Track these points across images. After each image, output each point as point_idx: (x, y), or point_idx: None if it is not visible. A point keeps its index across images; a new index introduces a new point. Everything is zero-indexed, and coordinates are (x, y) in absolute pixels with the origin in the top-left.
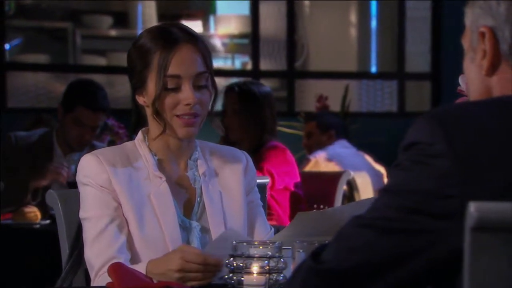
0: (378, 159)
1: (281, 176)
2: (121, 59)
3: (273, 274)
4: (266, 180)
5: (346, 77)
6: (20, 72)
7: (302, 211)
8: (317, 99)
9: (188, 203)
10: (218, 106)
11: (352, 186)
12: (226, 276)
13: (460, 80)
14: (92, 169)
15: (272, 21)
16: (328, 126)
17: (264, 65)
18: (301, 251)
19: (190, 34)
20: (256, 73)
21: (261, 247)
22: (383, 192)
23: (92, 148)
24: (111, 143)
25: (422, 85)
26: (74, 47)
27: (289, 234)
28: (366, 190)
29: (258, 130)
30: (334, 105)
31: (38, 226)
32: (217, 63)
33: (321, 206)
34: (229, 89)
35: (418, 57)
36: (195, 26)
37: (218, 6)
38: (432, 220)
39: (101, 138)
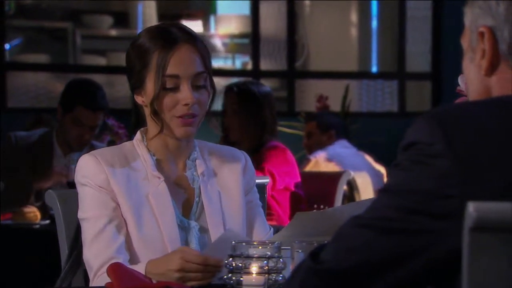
0: (378, 159)
1: (282, 176)
2: (121, 59)
3: (272, 274)
4: (265, 180)
5: (347, 77)
6: (20, 72)
7: (302, 211)
8: (317, 99)
9: (186, 203)
10: (218, 106)
11: (352, 186)
12: (225, 276)
13: (460, 80)
14: (90, 169)
15: (273, 21)
16: (328, 126)
17: (265, 65)
18: (300, 251)
19: (189, 34)
20: (257, 73)
21: (260, 247)
22: (382, 192)
23: (92, 148)
24: (111, 143)
25: (423, 85)
26: (74, 47)
27: (288, 234)
28: (366, 190)
29: (258, 130)
30: (335, 105)
31: (37, 226)
32: (218, 63)
33: (321, 206)
34: (229, 89)
35: (418, 57)
36: (196, 26)
37: (219, 6)
38: (432, 220)
39: (101, 138)
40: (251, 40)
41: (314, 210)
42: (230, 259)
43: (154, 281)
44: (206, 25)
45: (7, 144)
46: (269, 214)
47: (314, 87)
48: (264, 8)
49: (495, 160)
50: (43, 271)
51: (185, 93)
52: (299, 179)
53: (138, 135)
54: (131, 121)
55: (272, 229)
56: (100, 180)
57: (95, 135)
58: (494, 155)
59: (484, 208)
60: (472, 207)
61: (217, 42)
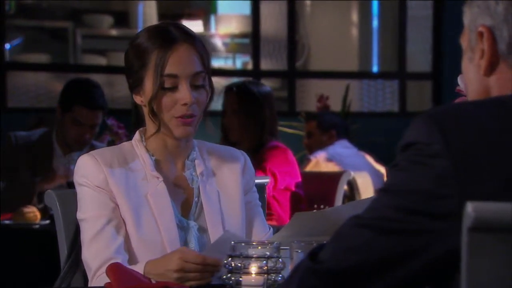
0: (379, 159)
1: (283, 176)
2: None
3: (272, 274)
4: (265, 180)
5: (347, 76)
6: (20, 71)
7: (302, 211)
8: (317, 99)
9: (185, 203)
10: (218, 106)
11: (352, 186)
12: (224, 277)
13: (459, 80)
14: (89, 169)
15: (273, 20)
16: (329, 126)
17: (265, 65)
18: (299, 251)
19: (187, 34)
20: (257, 73)
21: (259, 247)
22: (381, 192)
23: (92, 148)
24: (111, 143)
25: (424, 84)
26: (75, 46)
27: (287, 234)
28: (367, 190)
29: (257, 130)
30: (336, 105)
31: (37, 226)
32: (218, 63)
33: (322, 206)
34: (228, 89)
35: (419, 56)
36: (196, 25)
37: (219, 5)
38: (431, 220)
39: (101, 138)
40: (252, 40)
41: (314, 211)
42: (229, 259)
43: (153, 281)
44: (206, 25)
45: (7, 144)
46: (269, 214)
47: (315, 87)
48: (264, 8)
49: (494, 160)
50: (43, 271)
51: (183, 93)
52: (299, 179)
53: (137, 135)
54: (131, 121)
55: (271, 229)
56: (99, 181)
57: (95, 134)
58: (493, 155)
59: (483, 208)
60: (470, 207)
61: (218, 42)
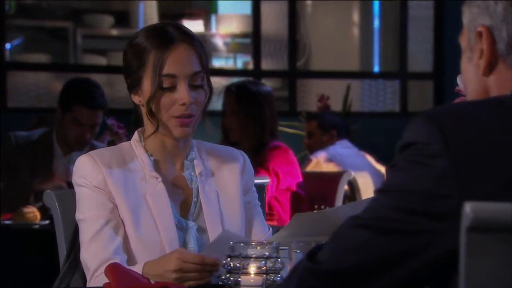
0: (380, 159)
1: (285, 176)
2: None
3: (270, 274)
4: (265, 180)
5: (348, 76)
6: (20, 71)
7: (303, 212)
8: (318, 99)
9: (184, 203)
10: (218, 106)
11: (353, 186)
12: (223, 277)
13: (459, 79)
14: (87, 170)
15: (274, 20)
16: (329, 126)
17: (266, 65)
18: (298, 251)
19: (186, 34)
20: (258, 72)
21: (258, 248)
22: (380, 192)
23: (92, 148)
24: (111, 143)
25: (425, 84)
26: (75, 46)
27: (287, 234)
28: (367, 191)
29: (257, 130)
30: (337, 105)
31: (37, 226)
32: (219, 63)
33: (322, 207)
34: (228, 89)
35: (420, 56)
36: (197, 25)
37: (220, 5)
38: (430, 220)
39: (101, 138)
40: (253, 39)
41: (315, 211)
42: (228, 259)
43: (152, 282)
44: (207, 24)
45: (7, 144)
46: (270, 215)
47: (316, 87)
48: (265, 8)
49: (493, 160)
50: (43, 271)
51: (182, 93)
52: (300, 179)
53: (135, 135)
54: (131, 121)
55: (271, 229)
56: (98, 181)
57: (96, 134)
58: (493, 155)
59: (481, 208)
60: (469, 207)
61: (218, 42)
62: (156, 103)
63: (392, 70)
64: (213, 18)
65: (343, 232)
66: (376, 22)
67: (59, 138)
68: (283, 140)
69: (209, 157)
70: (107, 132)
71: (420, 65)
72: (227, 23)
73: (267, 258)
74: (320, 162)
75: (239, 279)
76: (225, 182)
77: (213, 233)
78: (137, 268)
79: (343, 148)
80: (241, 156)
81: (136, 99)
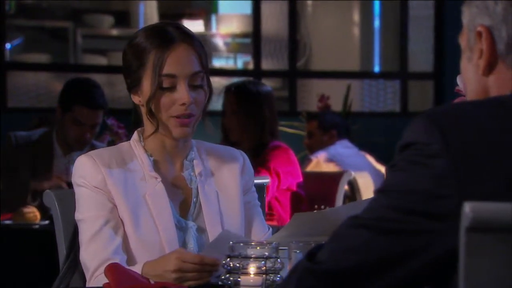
0: (380, 159)
1: (285, 176)
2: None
3: (270, 274)
4: (264, 180)
5: (349, 76)
6: (20, 71)
7: (303, 212)
8: (318, 99)
9: (184, 204)
10: (219, 106)
11: (353, 186)
12: (223, 277)
13: (458, 79)
14: (86, 170)
15: (274, 20)
16: (330, 126)
17: (266, 65)
18: (297, 251)
19: (186, 33)
20: (258, 72)
21: (258, 248)
22: (379, 192)
23: (92, 148)
24: (111, 143)
25: (425, 84)
26: (75, 46)
27: (286, 234)
28: (367, 191)
29: (257, 130)
30: (337, 105)
31: (37, 226)
32: (219, 63)
33: (322, 207)
34: (228, 89)
35: (421, 56)
36: (197, 25)
37: (220, 5)
38: (429, 220)
39: (101, 138)
40: (253, 39)
41: (315, 211)
42: (228, 259)
43: (151, 282)
44: (207, 24)
45: (7, 144)
46: (270, 215)
47: (316, 87)
48: (265, 8)
49: (493, 160)
50: (43, 271)
51: (182, 93)
52: (301, 179)
53: (135, 135)
54: (131, 121)
55: (270, 229)
56: (97, 181)
57: (96, 134)
58: (492, 155)
59: (481, 208)
60: (468, 208)
61: (219, 42)
62: (155, 103)
63: (393, 70)
64: (213, 18)
65: (343, 232)
66: (377, 22)
67: (59, 138)
68: (283, 140)
69: (208, 157)
70: (107, 132)
71: (420, 65)
72: (227, 23)
73: (266, 258)
74: (320, 162)
75: (239, 279)
76: (225, 182)
77: (212, 233)
78: (137, 268)
79: (344, 148)
80: (241, 156)
81: (135, 99)
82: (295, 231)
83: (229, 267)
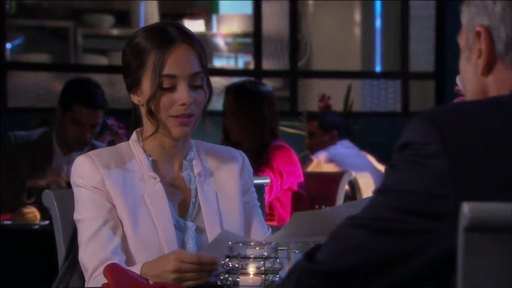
0: (381, 159)
1: (288, 175)
2: None
3: (269, 275)
4: (264, 180)
5: (350, 76)
6: (21, 71)
7: (302, 211)
8: (319, 99)
9: (183, 204)
10: (219, 106)
11: (354, 186)
12: (222, 277)
13: (458, 79)
14: (85, 170)
15: (275, 20)
16: (330, 126)
17: (267, 65)
18: (296, 251)
19: (186, 34)
20: (259, 72)
21: (257, 248)
22: (378, 192)
23: (92, 147)
24: (111, 143)
25: (426, 84)
26: (76, 46)
27: (285, 234)
28: (368, 191)
29: (257, 130)
30: (338, 105)
31: (37, 226)
32: (220, 63)
33: (323, 207)
34: (228, 89)
35: (422, 56)
36: (198, 25)
37: (221, 5)
38: (428, 220)
39: (101, 138)
40: (254, 39)
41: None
42: (227, 259)
43: (150, 282)
44: (208, 24)
45: (6, 144)
46: (271, 215)
47: (317, 87)
48: (266, 7)
49: (492, 160)
50: (43, 272)
51: (182, 93)
52: (302, 179)
53: (134, 135)
54: (131, 121)
55: (270, 229)
56: (96, 181)
57: (96, 134)
58: (491, 155)
59: (479, 208)
60: (466, 208)
61: (219, 42)
62: (155, 103)
63: (394, 70)
64: (214, 18)
65: (342, 232)
66: (378, 22)
67: (58, 138)
68: (284, 140)
69: (208, 157)
70: (107, 132)
71: (421, 65)
72: (228, 23)
73: (265, 258)
74: (321, 162)
75: (238, 279)
76: (224, 182)
77: (211, 234)
78: (136, 269)
79: (344, 148)
80: (240, 156)
81: (135, 98)
82: (294, 231)
83: (228, 267)
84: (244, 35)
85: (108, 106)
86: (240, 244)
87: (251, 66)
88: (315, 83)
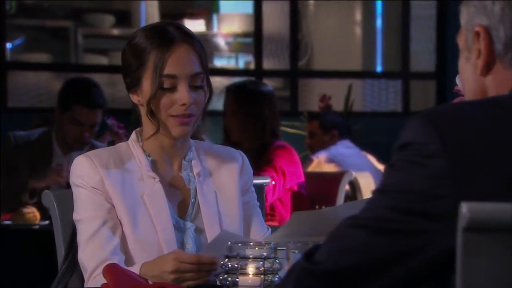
0: (381, 159)
1: (290, 175)
2: None
3: (268, 275)
4: (264, 180)
5: (350, 76)
6: (21, 71)
7: (302, 211)
8: (320, 99)
9: (182, 204)
10: (220, 106)
11: (355, 186)
12: (221, 277)
13: (457, 79)
14: (84, 170)
15: (276, 20)
16: (331, 126)
17: (268, 64)
18: (295, 251)
19: (186, 34)
20: (259, 72)
21: (256, 248)
22: (377, 192)
23: (92, 147)
24: (111, 143)
25: (427, 84)
26: (76, 46)
27: (285, 233)
28: (369, 191)
29: (258, 130)
30: (339, 105)
31: (37, 227)
32: (221, 62)
33: (323, 207)
34: (228, 89)
35: (423, 56)
36: (198, 25)
37: (222, 5)
38: (426, 220)
39: (101, 138)
40: (254, 39)
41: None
42: (226, 259)
43: (150, 282)
44: (209, 24)
45: (6, 144)
46: (271, 215)
47: (318, 87)
48: (267, 7)
49: (491, 160)
50: (43, 272)
51: (182, 94)
52: (303, 179)
53: (133, 135)
54: (131, 121)
55: (270, 229)
56: (95, 181)
57: (95, 133)
58: (490, 155)
59: (477, 208)
60: (465, 208)
61: (220, 41)
62: (156, 103)
63: (395, 69)
64: (214, 17)
65: (341, 232)
66: (379, 22)
67: (58, 138)
68: (284, 140)
69: (207, 157)
70: (107, 132)
71: (422, 65)
72: (229, 22)
73: (265, 258)
74: (322, 162)
75: (237, 279)
76: (224, 182)
77: (211, 234)
78: (135, 269)
79: (345, 148)
80: (240, 156)
81: (135, 98)
82: (293, 230)
83: (227, 268)
84: (245, 34)
85: (107, 106)
86: (240, 244)
87: (252, 66)
88: (316, 83)
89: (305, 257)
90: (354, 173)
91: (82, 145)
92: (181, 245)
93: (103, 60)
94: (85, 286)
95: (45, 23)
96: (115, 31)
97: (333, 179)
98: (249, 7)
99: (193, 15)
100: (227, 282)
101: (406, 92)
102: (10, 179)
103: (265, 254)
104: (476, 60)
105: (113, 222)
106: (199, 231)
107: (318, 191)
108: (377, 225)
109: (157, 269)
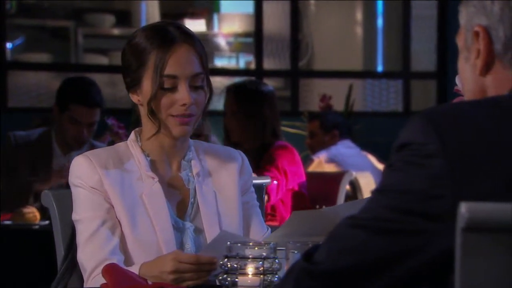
0: (382, 159)
1: (291, 175)
2: None
3: (268, 275)
4: (264, 180)
5: (351, 76)
6: (21, 71)
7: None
8: (320, 99)
9: (181, 204)
10: (221, 106)
11: (355, 186)
12: (220, 277)
13: (457, 79)
14: (83, 170)
15: (276, 20)
16: (332, 126)
17: (268, 64)
18: (295, 252)
19: (187, 34)
20: (260, 72)
21: (255, 248)
22: (376, 192)
23: (92, 147)
24: (111, 143)
25: (428, 84)
26: (76, 46)
27: (284, 233)
28: (369, 191)
29: (258, 130)
30: (339, 105)
31: (37, 226)
32: (221, 62)
33: (324, 207)
34: (228, 89)
35: (424, 56)
36: (199, 25)
37: (222, 4)
38: (426, 220)
39: (101, 138)
40: (255, 39)
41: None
42: (225, 259)
43: (149, 282)
44: (209, 24)
45: (6, 144)
46: (272, 215)
47: (318, 87)
48: (267, 7)
49: (490, 160)
50: (42, 272)
51: (182, 94)
52: (304, 179)
53: (132, 135)
54: (131, 121)
55: (269, 229)
56: (94, 181)
57: (96, 135)
58: (489, 155)
59: (477, 208)
60: (464, 208)
61: (221, 41)
62: (156, 103)
63: (395, 69)
64: (215, 17)
65: (340, 232)
66: (380, 22)
67: (58, 138)
68: (285, 140)
69: (206, 157)
70: (107, 132)
71: (423, 65)
72: (230, 22)
73: (264, 258)
74: (322, 162)
75: (236, 279)
76: (223, 182)
77: (210, 234)
78: (134, 269)
79: (345, 148)
80: (240, 156)
81: (135, 98)
82: (293, 230)
83: (226, 268)
84: (245, 34)
85: (105, 104)
86: (239, 244)
87: (252, 65)
88: (316, 83)
89: (305, 257)
90: (354, 173)
91: (81, 144)
92: (180, 245)
93: (103, 60)
94: (84, 286)
95: (45, 23)
96: (116, 31)
97: (334, 179)
98: (249, 7)
99: (193, 15)
100: (227, 282)
101: (407, 92)
102: (10, 179)
103: (264, 254)
104: (476, 60)
105: (112, 222)
106: (199, 231)
107: (319, 191)
108: (377, 225)
109: (156, 269)
